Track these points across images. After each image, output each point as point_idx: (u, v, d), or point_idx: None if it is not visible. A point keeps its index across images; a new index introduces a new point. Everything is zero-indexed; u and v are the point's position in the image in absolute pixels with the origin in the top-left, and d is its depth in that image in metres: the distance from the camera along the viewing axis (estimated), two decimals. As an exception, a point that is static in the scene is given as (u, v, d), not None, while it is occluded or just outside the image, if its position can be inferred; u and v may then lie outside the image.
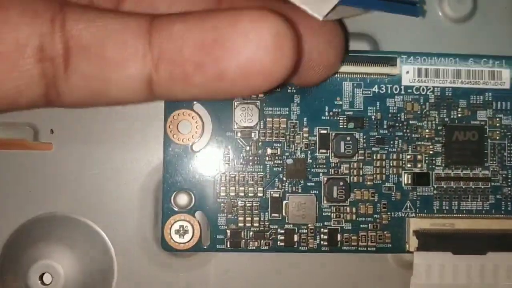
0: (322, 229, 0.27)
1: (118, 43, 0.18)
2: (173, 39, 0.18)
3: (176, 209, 0.27)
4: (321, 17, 0.20)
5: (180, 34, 0.18)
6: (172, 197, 0.27)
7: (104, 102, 0.19)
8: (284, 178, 0.27)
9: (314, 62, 0.22)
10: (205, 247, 0.27)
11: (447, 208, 0.28)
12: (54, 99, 0.19)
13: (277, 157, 0.27)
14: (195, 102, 0.27)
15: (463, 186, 0.28)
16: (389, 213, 0.28)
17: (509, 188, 0.28)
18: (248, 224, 0.27)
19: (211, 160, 0.27)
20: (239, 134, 0.27)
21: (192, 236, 0.26)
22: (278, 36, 0.17)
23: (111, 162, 0.27)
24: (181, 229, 0.26)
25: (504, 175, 0.28)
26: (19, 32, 0.17)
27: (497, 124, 0.28)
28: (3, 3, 0.17)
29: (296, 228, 0.27)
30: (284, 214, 0.27)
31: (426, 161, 0.28)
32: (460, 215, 0.28)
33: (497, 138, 0.28)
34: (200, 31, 0.18)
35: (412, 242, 0.27)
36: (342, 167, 0.27)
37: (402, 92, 0.28)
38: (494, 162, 0.28)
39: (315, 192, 0.27)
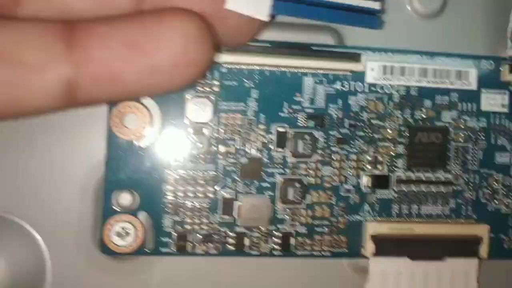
0: (275, 232, 0.26)
1: (36, 47, 0.16)
2: (99, 38, 0.17)
3: (118, 210, 0.24)
4: (267, 18, 0.20)
5: (106, 33, 0.17)
6: (114, 197, 0.24)
7: (22, 111, 0.17)
8: (238, 178, 0.25)
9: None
10: (149, 250, 0.25)
11: (406, 212, 0.27)
12: None
13: (230, 156, 0.25)
14: (142, 93, 0.24)
15: (425, 190, 0.27)
16: (346, 216, 0.26)
17: (470, 193, 0.27)
18: (196, 227, 0.25)
19: (158, 158, 0.25)
20: (190, 130, 0.25)
21: (135, 239, 0.24)
22: (200, 27, 0.18)
23: (48, 157, 0.25)
24: (123, 231, 0.24)
25: (466, 179, 0.27)
26: None
27: (462, 126, 0.27)
28: None
29: (247, 231, 0.25)
30: (235, 216, 0.25)
31: (388, 163, 0.26)
32: (419, 220, 0.27)
33: (461, 140, 0.27)
34: (127, 29, 0.17)
35: (369, 247, 0.26)
36: (299, 168, 0.26)
37: (366, 90, 0.26)
38: (457, 166, 0.27)
39: (270, 193, 0.25)
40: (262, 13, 0.20)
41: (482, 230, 0.27)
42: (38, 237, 0.25)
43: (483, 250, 0.27)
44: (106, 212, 0.24)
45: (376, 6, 0.22)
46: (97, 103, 0.19)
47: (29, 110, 0.17)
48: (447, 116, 0.27)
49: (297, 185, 0.25)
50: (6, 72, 0.16)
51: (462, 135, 0.27)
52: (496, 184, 0.27)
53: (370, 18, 0.22)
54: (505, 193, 0.28)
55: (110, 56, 0.17)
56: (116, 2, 0.19)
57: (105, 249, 0.24)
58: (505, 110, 0.27)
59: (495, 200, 0.27)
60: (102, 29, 0.17)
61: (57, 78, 0.17)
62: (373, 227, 0.26)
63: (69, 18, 0.18)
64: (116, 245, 0.24)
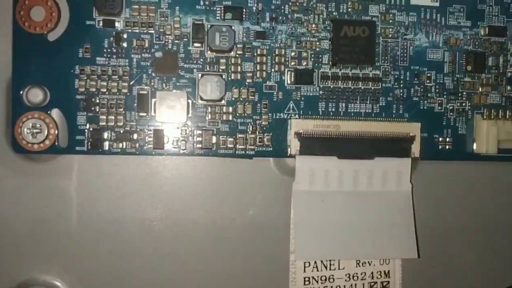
0: (195, 131, 0.25)
1: None
2: None
3: (29, 106, 0.24)
4: None
5: None
6: (24, 93, 0.24)
7: None
8: (153, 74, 0.24)
9: None
10: (63, 148, 0.24)
11: (333, 110, 0.26)
12: None
13: (144, 50, 0.24)
14: (48, -16, 0.23)
15: (352, 87, 0.26)
16: (270, 114, 0.25)
17: (401, 90, 0.26)
18: (112, 124, 0.24)
19: (68, 51, 0.24)
20: (100, 23, 0.24)
21: (47, 137, 0.24)
22: None
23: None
24: (34, 128, 0.24)
25: (396, 76, 0.26)
26: None
27: (390, 20, 0.26)
28: None
29: (165, 128, 0.25)
30: (152, 113, 0.24)
31: (312, 58, 0.25)
32: (347, 117, 0.26)
33: (390, 35, 0.26)
34: None
35: (294, 145, 0.25)
36: (219, 62, 0.25)
37: (286, -20, 0.25)
38: (386, 62, 0.26)
39: (188, 89, 0.25)
40: None
41: (414, 129, 0.26)
42: None
43: (416, 149, 0.26)
44: (16, 110, 0.24)
45: None
46: None
47: None
48: (375, 10, 0.26)
49: (216, 80, 0.25)
50: None
51: (391, 30, 0.26)
52: (429, 82, 0.27)
53: None
54: (438, 91, 0.27)
55: None
56: None
57: (18, 148, 0.24)
58: (436, 4, 0.26)
59: (427, 99, 0.27)
60: None
61: None
62: (298, 124, 0.25)
63: None
64: (29, 143, 0.24)
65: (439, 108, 0.27)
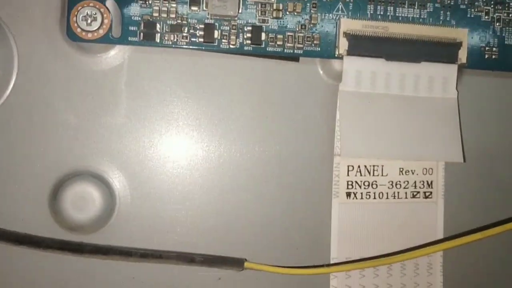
0: (245, 27, 0.25)
1: None
2: None
3: (84, -5, 0.24)
4: None
5: None
6: (80, -18, 0.24)
7: None
8: (205, -33, 0.25)
9: None
10: (115, 38, 0.24)
11: (381, 13, 0.26)
12: None
13: None
14: None
15: (400, -9, 0.26)
16: (319, 13, 0.26)
17: (448, -3, 0.26)
18: (164, 16, 0.25)
19: None
20: None
21: (101, 25, 0.24)
22: None
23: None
24: (89, 16, 0.24)
25: (444, -18, 0.26)
26: None
27: None
28: None
29: (217, 24, 0.25)
30: (204, 7, 0.25)
31: (362, -40, 0.26)
32: (395, 21, 0.26)
33: None
34: None
35: (342, 45, 0.25)
36: (269, -40, 0.25)
37: None
38: (434, -33, 0.26)
39: (240, -15, 0.25)
40: None
41: (461, 34, 0.26)
42: (5, 29, 0.24)
43: (463, 55, 0.26)
44: (72, -3, 0.24)
45: None
46: None
47: None
48: None
49: (267, -24, 0.25)
50: None
51: None
52: (476, -10, 0.27)
53: None
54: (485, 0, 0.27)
55: None
56: None
57: (72, 35, 0.24)
58: None
59: (475, 8, 0.27)
60: None
61: None
62: (347, 23, 0.26)
63: None
64: (83, 30, 0.24)
65: (486, 17, 0.27)
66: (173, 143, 0.26)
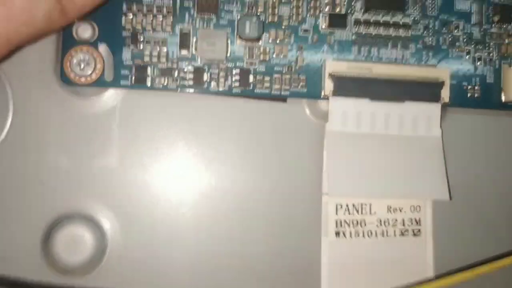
0: (234, 70, 0.26)
1: None
2: None
3: (78, 41, 0.25)
4: None
5: None
6: (74, 28, 0.25)
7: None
8: (194, 13, 0.26)
9: None
10: (108, 81, 0.25)
11: (366, 54, 0.27)
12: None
13: (187, -9, 0.26)
14: None
15: (383, 33, 0.27)
16: (305, 55, 0.26)
17: (430, 38, 0.27)
18: (155, 60, 0.25)
19: (115, -10, 0.25)
20: (147, -36, 0.26)
21: (94, 70, 0.25)
22: None
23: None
24: (82, 61, 0.25)
25: (425, 24, 0.27)
26: None
27: (419, -29, 0.27)
28: None
29: (207, 67, 0.26)
30: (193, 51, 0.26)
31: (345, 4, 0.27)
32: (379, 62, 0.27)
33: (419, -15, 0.27)
34: None
35: (328, 86, 0.26)
36: (257, 4, 0.26)
37: None
38: (416, 10, 0.27)
39: (228, 29, 0.26)
40: None
41: (443, 74, 0.27)
42: (1, 73, 0.25)
43: (445, 94, 0.27)
44: (66, 44, 0.25)
45: None
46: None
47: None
48: (405, -40, 0.27)
49: (255, 20, 0.26)
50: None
51: (420, -20, 0.27)
52: (457, 31, 0.28)
53: None
54: (465, 40, 0.28)
55: None
56: None
57: (66, 80, 0.25)
58: (463, -44, 0.28)
59: (456, 48, 0.28)
60: None
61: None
62: (332, 65, 0.26)
63: None
64: (77, 75, 0.25)
65: (467, 57, 0.28)
66: (164, 185, 0.26)
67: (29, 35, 0.21)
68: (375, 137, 0.27)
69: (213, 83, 0.26)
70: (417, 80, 0.27)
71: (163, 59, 0.25)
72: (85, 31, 0.25)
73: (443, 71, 0.27)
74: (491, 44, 0.28)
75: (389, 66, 0.27)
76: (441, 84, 0.27)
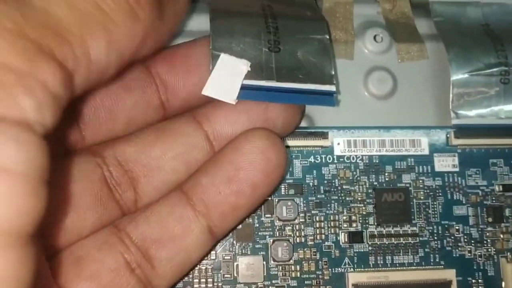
0: (270, 287, 0.30)
1: (176, 219, 0.23)
2: (207, 190, 0.24)
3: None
4: (234, 101, 0.26)
5: (209, 182, 0.23)
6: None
7: (189, 266, 0.25)
8: (234, 242, 0.30)
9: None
10: (164, 310, 0.29)
11: (381, 262, 0.31)
12: None
13: (227, 223, 0.30)
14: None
15: (394, 242, 0.31)
16: (330, 269, 0.31)
17: (435, 242, 0.32)
18: (203, 286, 0.30)
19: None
20: (192, 204, 0.30)
21: (152, 299, 0.29)
22: (269, 137, 0.25)
23: None
24: (141, 293, 0.29)
25: (430, 230, 0.32)
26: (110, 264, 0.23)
27: (421, 186, 0.32)
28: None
29: (247, 287, 0.30)
30: (235, 274, 0.30)
31: (360, 221, 0.31)
32: (393, 268, 0.31)
33: (421, 198, 0.32)
34: (221, 170, 0.24)
35: (353, 296, 0.30)
36: (285, 229, 0.31)
37: (335, 161, 0.32)
38: (420, 219, 0.32)
39: (263, 253, 0.30)
40: (231, 98, 0.25)
41: (450, 274, 0.31)
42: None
43: (454, 288, 0.31)
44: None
45: (332, 88, 0.28)
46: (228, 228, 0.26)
47: (194, 261, 0.26)
48: (407, 178, 0.32)
49: (285, 244, 0.30)
50: (169, 252, 0.24)
51: (422, 193, 0.32)
52: (458, 233, 0.32)
53: (327, 98, 0.28)
54: (466, 240, 0.32)
55: (223, 197, 0.24)
56: (145, 116, 0.24)
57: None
58: (456, 169, 0.33)
59: (458, 248, 0.32)
60: (204, 180, 0.23)
61: (200, 231, 0.24)
62: (354, 277, 0.31)
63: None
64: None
65: (469, 255, 0.32)
66: None
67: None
68: (396, 335, 0.30)
69: (253, 301, 0.30)
70: (428, 282, 0.31)
71: (210, 284, 0.30)
72: None
73: (449, 271, 0.31)
74: (488, 241, 0.32)
75: (403, 273, 0.31)
76: (449, 283, 0.31)
